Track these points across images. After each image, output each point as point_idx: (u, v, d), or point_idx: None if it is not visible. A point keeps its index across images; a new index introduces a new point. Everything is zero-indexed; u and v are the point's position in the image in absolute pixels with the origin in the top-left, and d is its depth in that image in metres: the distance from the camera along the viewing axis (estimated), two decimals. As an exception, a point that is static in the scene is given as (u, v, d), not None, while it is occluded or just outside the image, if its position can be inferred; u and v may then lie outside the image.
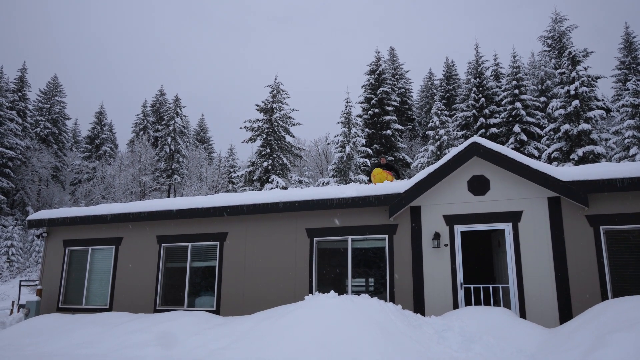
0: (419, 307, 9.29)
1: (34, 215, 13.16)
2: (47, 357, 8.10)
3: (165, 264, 11.82)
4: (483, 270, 11.68)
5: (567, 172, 8.84)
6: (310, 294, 9.49)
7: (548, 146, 30.16)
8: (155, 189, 42.87)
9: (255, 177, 33.63)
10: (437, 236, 9.41)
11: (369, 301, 8.14)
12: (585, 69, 29.28)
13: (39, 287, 12.67)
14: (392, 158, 36.88)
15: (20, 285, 19.11)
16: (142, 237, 12.08)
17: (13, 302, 16.77)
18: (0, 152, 39.72)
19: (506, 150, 9.28)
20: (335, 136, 34.66)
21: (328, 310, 7.81)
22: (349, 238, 10.36)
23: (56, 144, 50.64)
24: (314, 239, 10.62)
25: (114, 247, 12.29)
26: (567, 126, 27.99)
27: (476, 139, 9.49)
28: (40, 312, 12.25)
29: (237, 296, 10.84)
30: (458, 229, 9.43)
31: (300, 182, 34.74)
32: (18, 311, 13.62)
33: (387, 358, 6.63)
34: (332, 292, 8.45)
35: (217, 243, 11.35)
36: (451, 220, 9.50)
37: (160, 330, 9.01)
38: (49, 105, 52.10)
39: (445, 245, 9.40)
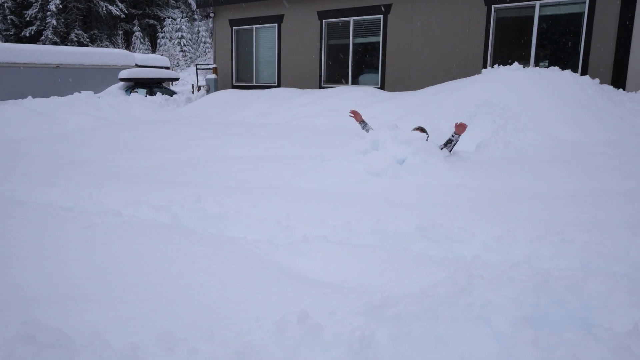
0: (618, 82, 7.89)
1: (198, -4, 13.55)
2: (232, 125, 9.03)
3: (327, 41, 11.61)
4: None
5: None
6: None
7: None
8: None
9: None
10: (664, -7, 7.30)
11: (561, 73, 7.05)
12: None
13: (214, 66, 13.76)
14: None
15: (196, 69, 21.29)
16: (302, 13, 11.77)
17: (192, 85, 18.89)
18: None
19: None
20: None
21: (511, 83, 6.98)
22: (537, 3, 8.68)
23: None
24: (492, 6, 9.15)
25: (276, 25, 12.30)
26: None
27: None
28: (218, 89, 13.54)
29: (403, 72, 10.42)
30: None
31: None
32: (199, 90, 15.32)
33: (584, 133, 5.91)
34: (515, 64, 7.47)
35: (381, 17, 10.54)
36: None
37: (330, 103, 9.27)
38: None
39: (675, 5, 7.32)
